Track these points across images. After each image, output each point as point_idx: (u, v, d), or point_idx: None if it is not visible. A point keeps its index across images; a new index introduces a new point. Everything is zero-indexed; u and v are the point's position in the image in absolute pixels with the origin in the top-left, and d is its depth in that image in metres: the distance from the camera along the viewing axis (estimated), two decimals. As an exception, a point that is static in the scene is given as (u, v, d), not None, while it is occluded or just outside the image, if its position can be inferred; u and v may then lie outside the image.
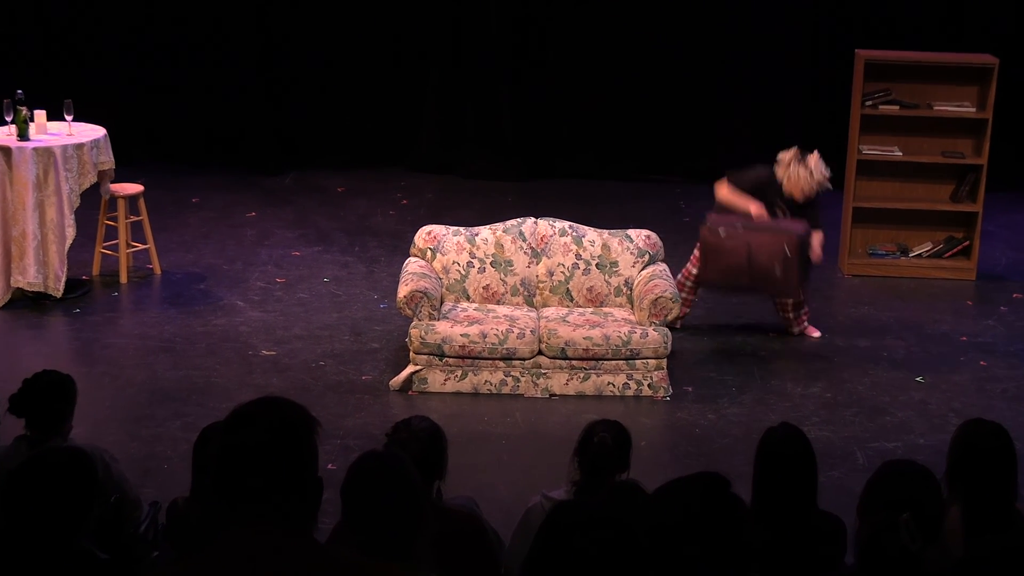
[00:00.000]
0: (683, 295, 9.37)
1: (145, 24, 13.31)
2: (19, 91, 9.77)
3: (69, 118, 9.91)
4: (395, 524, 3.59)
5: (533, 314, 8.86)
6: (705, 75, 13.30)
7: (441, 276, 9.02)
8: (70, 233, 9.66)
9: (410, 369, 8.58)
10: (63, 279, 9.74)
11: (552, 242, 9.12)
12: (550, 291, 9.10)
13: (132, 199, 10.39)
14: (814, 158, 9.00)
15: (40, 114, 9.89)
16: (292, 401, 2.94)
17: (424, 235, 9.17)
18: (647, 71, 13.37)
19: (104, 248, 10.45)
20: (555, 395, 8.61)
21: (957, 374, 9.09)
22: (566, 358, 8.56)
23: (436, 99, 13.57)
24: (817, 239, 8.96)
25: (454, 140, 13.65)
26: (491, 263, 9.07)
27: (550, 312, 8.91)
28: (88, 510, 4.29)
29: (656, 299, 8.59)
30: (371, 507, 3.60)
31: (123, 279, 10.29)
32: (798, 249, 8.81)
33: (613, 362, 8.57)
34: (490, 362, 8.57)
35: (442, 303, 8.87)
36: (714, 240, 9.06)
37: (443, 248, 9.07)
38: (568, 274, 9.09)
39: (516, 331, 8.55)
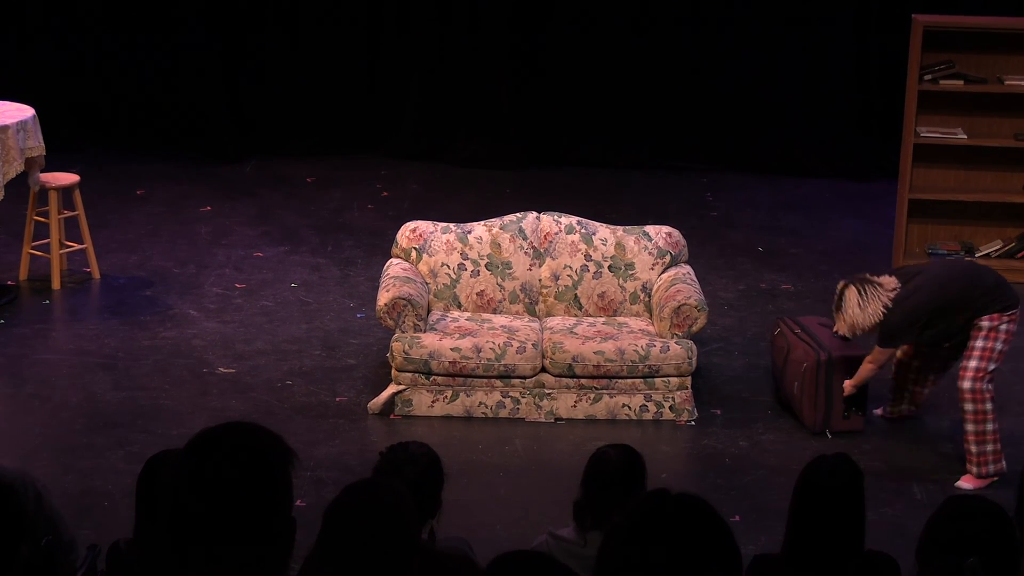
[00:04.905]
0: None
1: (81, -14, 13.35)
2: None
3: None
4: (379, 566, 3.62)
5: (535, 325, 8.87)
6: (737, 45, 13.31)
7: (428, 280, 9.03)
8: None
9: (392, 389, 8.59)
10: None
11: (557, 241, 9.14)
12: (555, 298, 9.11)
13: (66, 191, 10.40)
14: (851, 298, 8.13)
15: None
16: (264, 427, 2.94)
17: (408, 233, 9.18)
18: (669, 40, 13.38)
19: (33, 248, 10.45)
20: (561, 419, 8.62)
21: (1032, 394, 9.10)
22: (574, 376, 8.57)
23: (421, 75, 13.58)
24: (860, 373, 8.33)
25: (442, 122, 13.66)
26: (486, 265, 9.08)
27: (555, 322, 8.92)
28: (14, 554, 4.28)
29: (679, 307, 8.60)
30: (356, 543, 3.62)
31: (56, 284, 10.29)
32: (816, 374, 8.41)
33: (629, 380, 8.58)
34: (485, 381, 8.58)
35: (429, 312, 8.88)
36: (770, 334, 9.06)
37: (430, 248, 9.08)
38: (576, 278, 9.10)
39: (515, 345, 8.56)
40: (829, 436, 8.41)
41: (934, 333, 8.06)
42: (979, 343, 7.85)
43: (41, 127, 10.04)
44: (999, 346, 7.87)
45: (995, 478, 7.93)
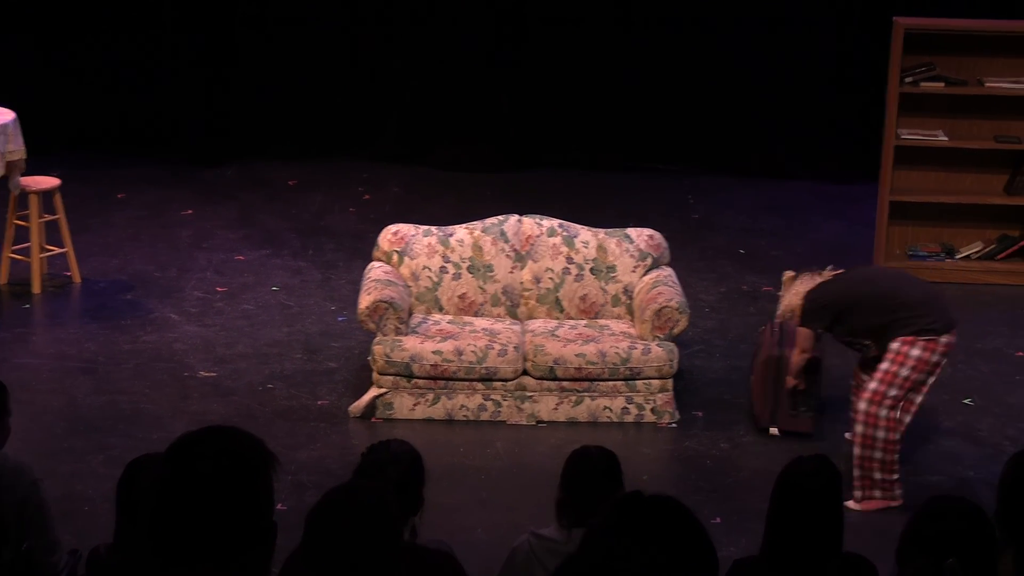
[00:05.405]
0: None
1: (61, -11, 13.32)
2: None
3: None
4: (363, 570, 3.63)
5: (517, 327, 8.88)
6: (718, 48, 13.33)
7: (409, 283, 9.03)
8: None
9: (373, 392, 8.59)
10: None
11: (539, 243, 9.14)
12: (537, 300, 9.11)
13: (46, 195, 10.38)
14: (788, 279, 8.20)
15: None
16: (245, 431, 2.94)
17: (389, 236, 9.18)
18: (650, 43, 13.39)
19: (13, 252, 10.43)
20: (543, 422, 8.62)
21: (1012, 395, 9.12)
22: (555, 379, 8.58)
23: (403, 78, 13.58)
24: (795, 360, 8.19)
25: (424, 125, 13.66)
26: (468, 268, 9.08)
27: (537, 325, 8.92)
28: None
29: (660, 309, 8.61)
30: (339, 547, 3.63)
31: (36, 288, 10.27)
32: (767, 368, 8.39)
33: (610, 383, 8.58)
34: (467, 384, 8.58)
35: (410, 315, 8.88)
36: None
37: (412, 251, 9.08)
38: (558, 281, 9.10)
39: (497, 348, 8.56)
40: (773, 432, 8.40)
41: (847, 330, 7.81)
42: (884, 365, 7.52)
43: (22, 131, 10.02)
44: (905, 372, 7.47)
45: (881, 506, 7.58)
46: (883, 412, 7.50)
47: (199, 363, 9.23)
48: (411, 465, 5.03)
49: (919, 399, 7.61)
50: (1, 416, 5.74)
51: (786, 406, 8.40)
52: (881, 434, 7.52)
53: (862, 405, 7.54)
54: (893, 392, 7.50)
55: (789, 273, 8.14)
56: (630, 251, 9.14)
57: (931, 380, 7.59)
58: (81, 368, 9.13)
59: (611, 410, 8.61)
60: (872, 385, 7.56)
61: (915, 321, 7.50)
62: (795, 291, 7.96)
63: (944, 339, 7.50)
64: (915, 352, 7.47)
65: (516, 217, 9.26)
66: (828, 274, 7.99)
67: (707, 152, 13.48)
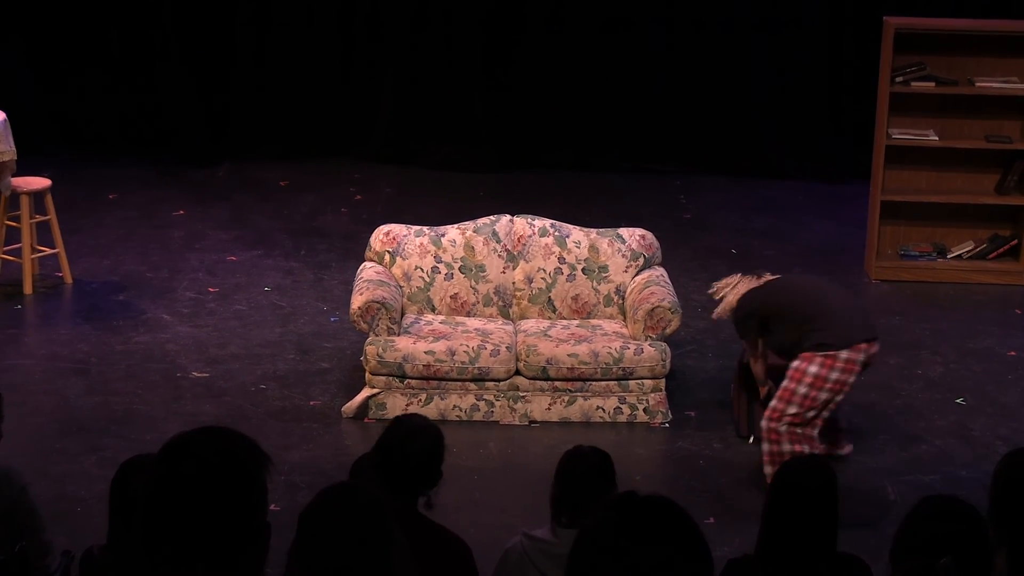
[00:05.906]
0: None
1: (52, -10, 13.31)
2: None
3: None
4: (356, 569, 3.64)
5: (509, 328, 8.88)
6: (709, 48, 13.34)
7: (402, 284, 9.02)
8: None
9: (366, 393, 8.58)
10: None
11: (531, 243, 9.14)
12: (529, 300, 9.11)
13: (37, 195, 10.36)
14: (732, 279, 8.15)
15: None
16: (238, 432, 2.94)
17: (381, 236, 9.17)
18: (641, 43, 13.39)
19: (5, 253, 10.42)
20: (535, 422, 8.62)
21: (1004, 395, 9.12)
22: (548, 379, 8.57)
23: (394, 78, 13.58)
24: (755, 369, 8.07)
25: (416, 125, 13.65)
26: (460, 268, 9.08)
27: (529, 325, 8.92)
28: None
29: (653, 309, 8.61)
30: (332, 546, 3.65)
31: (27, 289, 10.26)
32: (738, 375, 8.36)
33: (603, 383, 8.58)
34: (459, 384, 8.57)
35: (403, 315, 8.88)
36: None
37: (404, 251, 9.08)
38: (550, 281, 9.10)
39: (489, 348, 8.56)
40: (751, 441, 8.28)
41: (771, 342, 7.75)
42: (783, 383, 7.47)
43: (12, 131, 10.01)
44: (803, 389, 7.36)
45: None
46: (783, 428, 7.43)
47: (191, 364, 9.22)
48: (436, 438, 5.23)
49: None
50: None
51: (759, 414, 8.34)
52: (787, 447, 7.43)
53: (763, 423, 7.49)
54: (792, 410, 7.40)
55: (736, 276, 8.07)
56: (622, 251, 9.14)
57: (838, 398, 7.46)
58: (73, 369, 9.12)
59: (604, 410, 8.61)
60: (772, 403, 7.51)
61: (815, 335, 7.39)
62: (736, 291, 7.89)
63: (845, 355, 7.35)
64: (812, 369, 7.37)
65: (508, 217, 9.26)
66: (766, 276, 7.93)
67: (699, 152, 13.48)
